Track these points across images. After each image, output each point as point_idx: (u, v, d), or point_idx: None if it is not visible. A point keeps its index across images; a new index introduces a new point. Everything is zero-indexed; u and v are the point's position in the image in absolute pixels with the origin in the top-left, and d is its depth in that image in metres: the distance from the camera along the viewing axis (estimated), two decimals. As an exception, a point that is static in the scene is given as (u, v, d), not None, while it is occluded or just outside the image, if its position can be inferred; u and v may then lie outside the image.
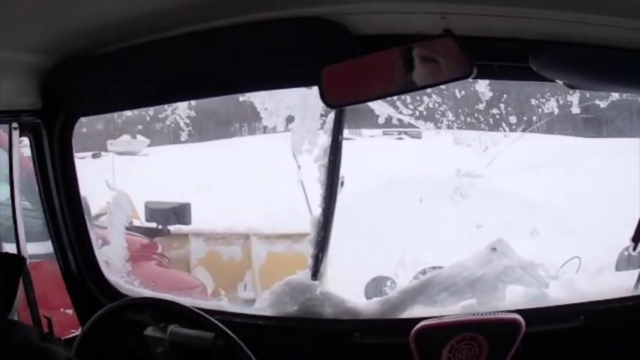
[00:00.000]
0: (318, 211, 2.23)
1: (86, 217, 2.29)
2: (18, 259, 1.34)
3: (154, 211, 6.02)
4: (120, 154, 9.67)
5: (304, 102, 2.16)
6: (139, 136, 10.25)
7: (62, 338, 2.27)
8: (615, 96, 2.45)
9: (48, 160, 2.27)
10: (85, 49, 2.16)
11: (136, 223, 6.60)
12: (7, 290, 1.32)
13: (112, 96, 2.21)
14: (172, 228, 6.11)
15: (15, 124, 2.24)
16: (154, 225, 6.01)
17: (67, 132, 2.27)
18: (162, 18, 2.03)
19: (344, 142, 2.15)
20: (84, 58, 2.17)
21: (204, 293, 5.53)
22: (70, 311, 2.42)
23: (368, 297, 2.64)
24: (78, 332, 2.24)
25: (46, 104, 2.22)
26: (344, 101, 2.02)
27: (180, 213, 6.06)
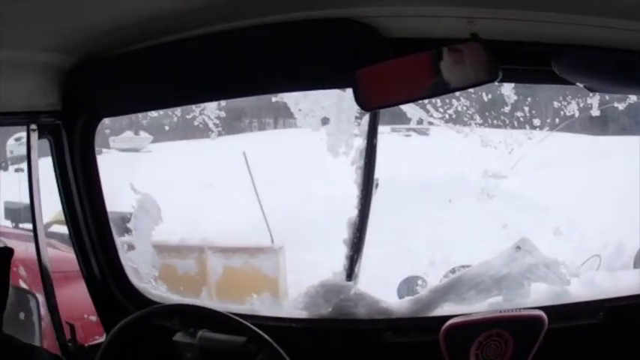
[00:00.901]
0: (353, 212, 2.25)
1: (110, 221, 2.24)
2: (3, 250, 1.33)
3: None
4: (123, 150, 9.32)
5: (339, 104, 2.17)
6: (142, 132, 9.85)
7: (86, 345, 2.23)
8: (633, 98, 2.55)
9: (68, 162, 2.22)
10: (106, 48, 2.12)
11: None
12: None
13: (136, 96, 2.18)
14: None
15: (34, 126, 2.18)
16: None
17: (89, 134, 2.23)
18: (187, 17, 2.00)
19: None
20: (105, 58, 2.13)
21: None
22: (93, 317, 2.36)
23: (400, 297, 2.67)
24: (102, 339, 2.20)
25: (67, 105, 2.18)
26: (378, 104, 2.04)
27: (121, 223, 5.78)
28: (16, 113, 2.11)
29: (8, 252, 1.33)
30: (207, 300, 5.77)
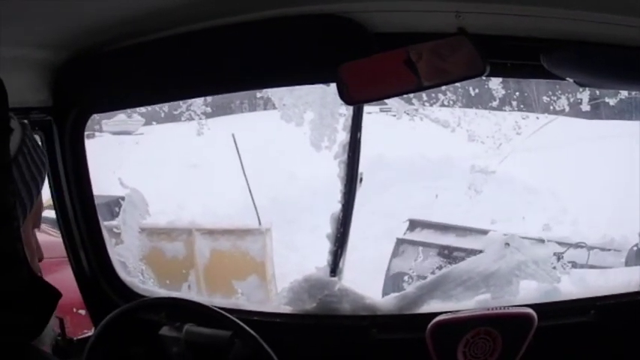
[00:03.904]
0: (337, 207, 2.24)
1: (99, 215, 2.26)
2: (54, 293, 1.21)
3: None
4: (115, 134, 9.30)
5: (323, 99, 2.17)
6: (134, 115, 9.79)
7: (75, 339, 2.26)
8: (624, 93, 2.51)
9: (59, 157, 2.25)
10: (97, 45, 2.14)
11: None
12: (36, 326, 1.16)
13: (125, 92, 2.20)
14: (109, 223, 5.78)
15: (25, 122, 2.21)
16: None
17: (79, 129, 2.25)
18: (176, 14, 2.02)
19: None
20: (96, 55, 2.15)
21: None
22: (82, 311, 2.39)
23: (387, 293, 2.66)
24: (91, 332, 2.22)
25: (58, 101, 2.20)
26: (362, 98, 2.04)
27: (111, 207, 5.72)
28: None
29: (57, 295, 1.21)
30: (194, 283, 5.80)
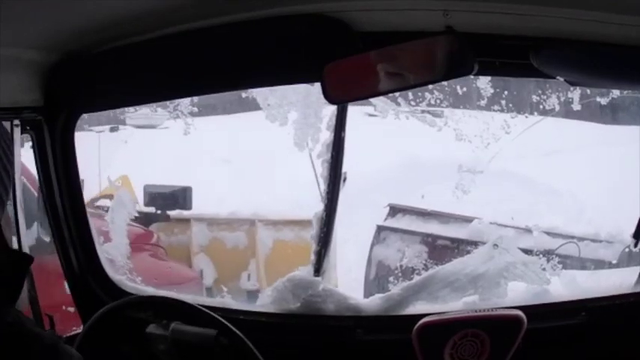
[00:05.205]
0: (320, 206, 2.24)
1: (88, 215, 2.29)
2: (25, 257, 1.32)
3: (152, 195, 5.73)
4: (139, 127, 9.36)
5: (307, 98, 2.17)
6: (159, 109, 9.87)
7: (64, 336, 2.28)
8: (616, 92, 2.47)
9: (50, 157, 2.27)
10: (87, 46, 2.16)
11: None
12: (11, 289, 1.28)
13: (114, 93, 2.22)
14: (173, 213, 5.83)
15: (17, 122, 2.24)
16: (152, 210, 5.73)
17: (70, 129, 2.27)
18: (163, 16, 2.04)
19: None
20: (86, 56, 2.17)
21: (199, 286, 5.35)
22: (71, 309, 2.41)
23: (368, 284, 2.65)
24: (80, 330, 2.24)
25: (48, 101, 2.22)
26: (346, 97, 2.03)
27: (180, 197, 5.77)
28: (0, 109, 2.17)
29: (29, 259, 1.34)
30: (254, 272, 5.84)
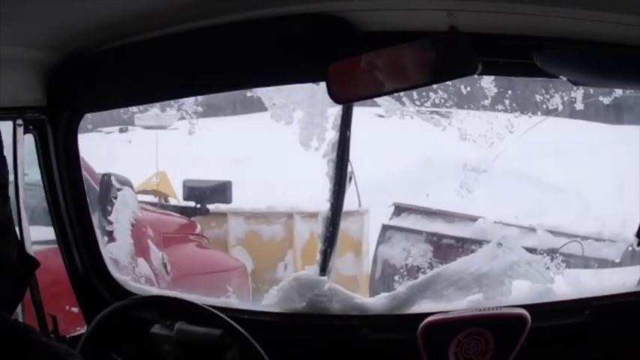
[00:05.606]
0: (326, 206, 2.24)
1: (91, 214, 2.28)
2: (31, 261, 1.28)
3: (192, 190, 5.84)
4: (147, 128, 9.36)
5: (312, 98, 2.17)
6: (168, 110, 9.89)
7: (67, 336, 2.27)
8: (619, 92, 2.48)
9: (53, 156, 2.26)
10: (90, 45, 2.16)
11: (173, 202, 6.42)
12: (15, 293, 1.24)
13: (118, 92, 2.22)
14: (211, 207, 5.95)
15: (19, 121, 2.23)
16: (191, 204, 5.84)
17: (73, 128, 2.27)
18: (167, 15, 2.04)
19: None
20: (89, 55, 2.17)
21: (244, 275, 5.38)
22: (75, 309, 2.40)
23: (373, 283, 2.65)
24: (83, 330, 2.23)
25: (51, 101, 2.22)
26: (351, 97, 2.04)
27: (220, 191, 5.90)
28: (3, 109, 2.16)
29: (34, 264, 1.29)
30: (291, 262, 5.94)
